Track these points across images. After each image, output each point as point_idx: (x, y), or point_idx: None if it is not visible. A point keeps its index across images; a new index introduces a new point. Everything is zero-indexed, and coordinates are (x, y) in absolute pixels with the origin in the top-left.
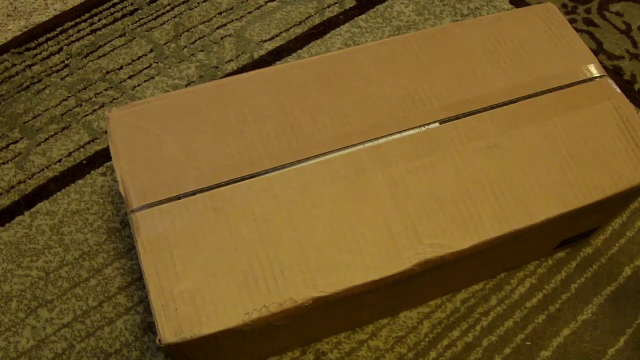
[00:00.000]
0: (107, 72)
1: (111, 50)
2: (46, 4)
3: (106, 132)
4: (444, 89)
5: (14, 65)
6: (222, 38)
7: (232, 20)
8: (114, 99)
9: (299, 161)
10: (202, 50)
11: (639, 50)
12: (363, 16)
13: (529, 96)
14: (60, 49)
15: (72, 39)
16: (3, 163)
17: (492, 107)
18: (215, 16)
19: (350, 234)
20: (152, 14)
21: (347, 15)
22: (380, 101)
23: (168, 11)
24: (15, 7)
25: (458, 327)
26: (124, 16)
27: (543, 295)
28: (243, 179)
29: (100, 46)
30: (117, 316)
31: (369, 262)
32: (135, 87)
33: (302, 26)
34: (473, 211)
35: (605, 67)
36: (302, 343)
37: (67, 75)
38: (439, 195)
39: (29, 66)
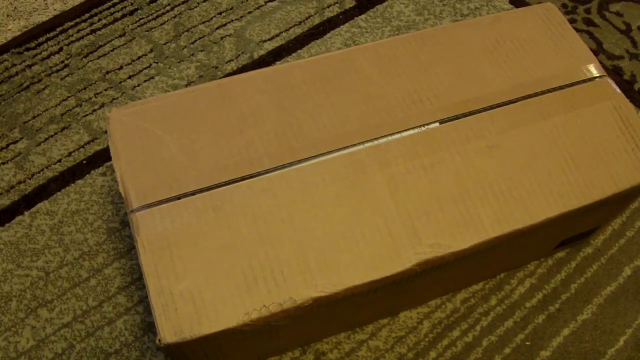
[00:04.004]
0: (107, 72)
1: (111, 50)
2: (46, 4)
3: (106, 132)
4: (444, 89)
5: (14, 65)
6: (222, 38)
7: (232, 20)
8: (114, 99)
9: (299, 161)
10: (202, 50)
11: (638, 50)
12: (363, 16)
13: (529, 96)
14: (60, 49)
15: (72, 39)
16: (3, 163)
17: (492, 107)
18: (215, 16)
19: (350, 234)
20: (152, 14)
21: (347, 15)
22: (380, 101)
23: (168, 11)
24: (15, 7)
25: (458, 327)
26: (124, 16)
27: (543, 295)
28: (243, 179)
29: (100, 46)
30: (117, 316)
31: (368, 262)
32: (135, 87)
33: (302, 26)
34: (473, 211)
35: (605, 67)
36: (302, 343)
37: (67, 75)
38: (439, 195)
39: (29, 66)
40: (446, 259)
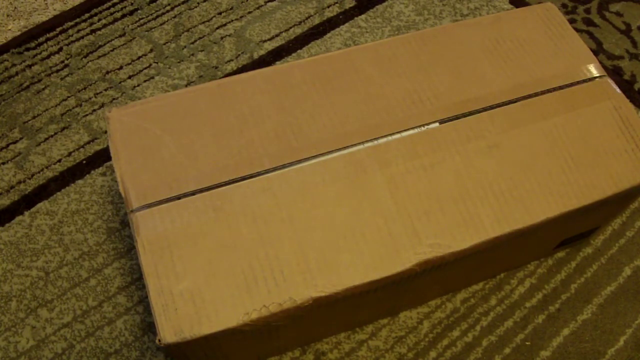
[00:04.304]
0: (107, 72)
1: (111, 50)
2: (46, 4)
3: (106, 132)
4: (444, 89)
5: (14, 65)
6: (222, 38)
7: (232, 20)
8: (114, 99)
9: (299, 161)
10: (202, 50)
11: (638, 50)
12: (363, 16)
13: (529, 96)
14: (60, 49)
15: (72, 39)
16: (3, 163)
17: (492, 107)
18: (215, 16)
19: (350, 234)
20: (152, 14)
21: (347, 15)
22: (380, 101)
23: (168, 11)
24: (15, 7)
25: (458, 327)
26: (124, 16)
27: (543, 295)
28: (243, 178)
29: (100, 46)
30: (117, 316)
31: (368, 262)
32: (135, 87)
33: (302, 26)
34: (473, 211)
35: (605, 67)
36: (302, 343)
37: (67, 75)
38: (439, 195)
39: (29, 66)
40: (446, 259)
